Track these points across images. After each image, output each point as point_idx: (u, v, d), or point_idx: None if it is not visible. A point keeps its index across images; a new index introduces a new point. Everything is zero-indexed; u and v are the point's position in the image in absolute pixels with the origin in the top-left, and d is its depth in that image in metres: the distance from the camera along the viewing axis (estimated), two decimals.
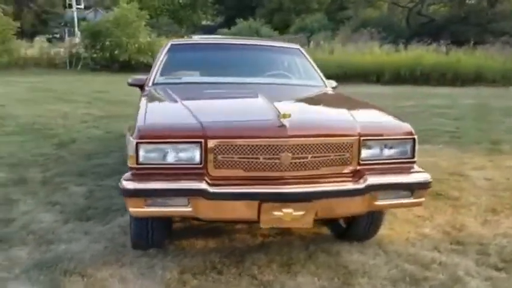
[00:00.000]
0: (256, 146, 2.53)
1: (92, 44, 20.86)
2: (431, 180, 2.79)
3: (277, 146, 2.54)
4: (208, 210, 2.51)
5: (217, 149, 2.52)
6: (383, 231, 3.52)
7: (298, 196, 2.54)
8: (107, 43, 20.76)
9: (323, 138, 2.61)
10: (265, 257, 3.02)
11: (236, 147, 2.53)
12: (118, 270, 2.80)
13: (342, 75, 17.08)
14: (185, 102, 2.99)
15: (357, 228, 3.24)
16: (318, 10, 34.78)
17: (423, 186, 2.76)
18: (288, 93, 3.76)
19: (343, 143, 2.65)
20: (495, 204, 4.19)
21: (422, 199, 2.81)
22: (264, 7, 36.03)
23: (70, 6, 29.54)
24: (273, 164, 2.55)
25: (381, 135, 2.75)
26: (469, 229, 3.64)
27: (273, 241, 3.31)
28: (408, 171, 2.79)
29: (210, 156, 2.52)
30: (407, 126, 2.83)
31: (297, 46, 4.53)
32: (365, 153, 2.72)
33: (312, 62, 4.37)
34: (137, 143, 2.49)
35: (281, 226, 2.61)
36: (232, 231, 3.38)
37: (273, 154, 2.54)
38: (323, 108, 3.36)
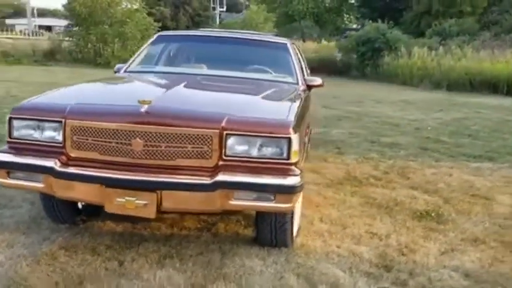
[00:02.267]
0: (110, 130, 2.53)
1: None
2: (298, 185, 2.49)
3: (128, 131, 2.51)
4: (59, 189, 2.58)
5: (74, 130, 2.58)
6: (315, 242, 3.24)
7: (141, 184, 2.47)
8: None
9: (178, 128, 2.50)
10: (154, 248, 2.98)
11: (91, 130, 2.56)
12: (11, 236, 3.03)
13: (466, 83, 15.63)
14: (96, 87, 3.10)
15: (262, 233, 3.02)
16: (471, 14, 32.00)
17: (285, 190, 2.47)
18: (240, 87, 3.62)
19: (201, 135, 2.50)
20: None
21: (288, 205, 2.51)
22: (412, 10, 34.31)
23: (214, 9, 31.63)
24: (125, 149, 2.52)
25: (250, 131, 2.52)
26: (413, 256, 3.13)
27: (187, 235, 3.25)
28: (279, 172, 2.52)
29: (68, 137, 2.59)
30: (283, 125, 2.55)
31: (285, 41, 4.31)
32: (230, 149, 2.53)
33: (296, 58, 4.13)
34: (10, 118, 2.68)
35: (126, 213, 2.55)
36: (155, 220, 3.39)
37: (125, 139, 2.51)
38: (223, 101, 3.07)
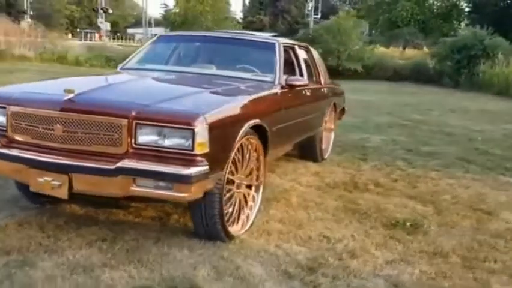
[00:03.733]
0: (38, 116, 2.78)
1: None
2: (195, 175, 2.53)
3: (51, 117, 2.74)
4: None
5: (13, 116, 2.87)
6: (257, 239, 3.23)
7: (54, 167, 2.67)
8: (320, 50, 21.67)
9: (92, 116, 2.67)
10: (97, 231, 3.18)
11: (25, 116, 2.83)
12: None
13: None
14: (57, 81, 3.40)
15: (195, 225, 3.09)
16: None
17: (181, 179, 2.52)
18: (197, 83, 3.70)
19: (112, 123, 2.64)
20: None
21: (186, 194, 2.56)
22: None
23: (308, 15, 31.72)
24: (49, 134, 2.76)
25: (158, 122, 2.61)
26: (350, 261, 2.97)
27: (138, 222, 3.41)
28: (183, 163, 2.57)
29: (9, 122, 2.89)
30: (189, 117, 2.59)
31: (274, 40, 4.30)
32: (139, 138, 2.64)
33: (282, 58, 4.11)
34: None
35: (46, 193, 2.75)
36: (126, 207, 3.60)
37: (49, 125, 2.75)
38: (152, 94, 3.16)
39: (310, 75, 5.02)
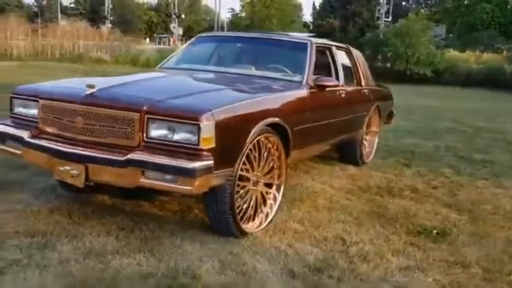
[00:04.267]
0: (62, 108, 2.98)
1: (372, 55, 21.64)
2: (198, 169, 2.59)
3: (73, 110, 2.92)
4: (28, 155, 3.11)
5: (43, 109, 3.09)
6: (271, 237, 3.25)
7: (72, 157, 2.84)
8: (388, 54, 21.14)
9: (107, 110, 2.82)
10: (119, 220, 3.33)
11: (52, 108, 3.04)
12: (22, 196, 3.69)
13: None
14: (91, 78, 3.60)
15: (209, 219, 3.17)
16: None
17: (184, 173, 2.59)
18: (237, 82, 3.75)
19: (125, 117, 2.77)
20: None
21: (189, 187, 2.61)
22: None
23: (378, 19, 30.98)
24: (72, 126, 2.94)
25: (168, 116, 2.70)
26: (361, 265, 2.90)
27: (160, 215, 3.53)
28: (189, 157, 2.65)
29: (40, 114, 3.12)
30: (196, 112, 2.66)
31: (307, 41, 4.27)
32: (150, 131, 2.75)
33: (313, 58, 4.08)
34: (10, 97, 3.32)
35: (66, 181, 2.92)
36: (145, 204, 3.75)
37: (71, 118, 2.93)
38: (170, 91, 3.17)
39: (348, 77, 4.94)
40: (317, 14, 48.08)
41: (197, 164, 2.61)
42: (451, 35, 41.17)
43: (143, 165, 2.68)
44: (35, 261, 2.69)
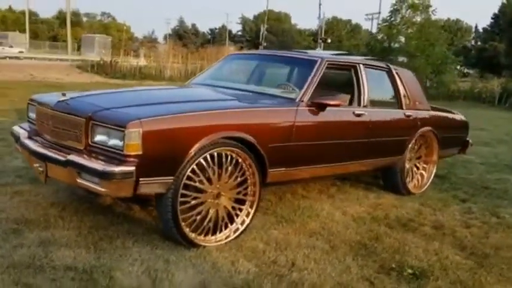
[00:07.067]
0: (42, 113, 3.42)
1: None
2: (111, 172, 2.73)
3: (47, 115, 3.32)
4: (23, 152, 3.57)
5: (36, 113, 3.55)
6: (219, 252, 3.21)
7: (37, 155, 3.22)
8: None
9: (66, 115, 3.14)
10: (96, 221, 3.60)
11: (39, 113, 3.48)
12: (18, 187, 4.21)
13: None
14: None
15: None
16: None
17: (101, 175, 2.76)
18: (211, 97, 3.88)
19: (75, 122, 3.05)
20: None
21: (105, 190, 2.80)
22: None
23: None
24: (48, 129, 3.33)
25: (104, 123, 2.91)
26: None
27: (144, 219, 3.72)
28: (116, 161, 2.81)
29: (35, 117, 3.58)
30: (124, 120, 2.80)
31: (318, 58, 4.09)
32: (96, 137, 2.98)
33: (318, 75, 3.92)
34: (27, 104, 3.87)
35: (38, 177, 3.30)
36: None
37: (46, 121, 3.33)
38: (133, 101, 3.38)
39: (382, 97, 4.60)
40: (480, 37, 44.28)
41: (115, 169, 2.75)
42: None
43: (77, 167, 2.92)
44: (11, 243, 3.04)
